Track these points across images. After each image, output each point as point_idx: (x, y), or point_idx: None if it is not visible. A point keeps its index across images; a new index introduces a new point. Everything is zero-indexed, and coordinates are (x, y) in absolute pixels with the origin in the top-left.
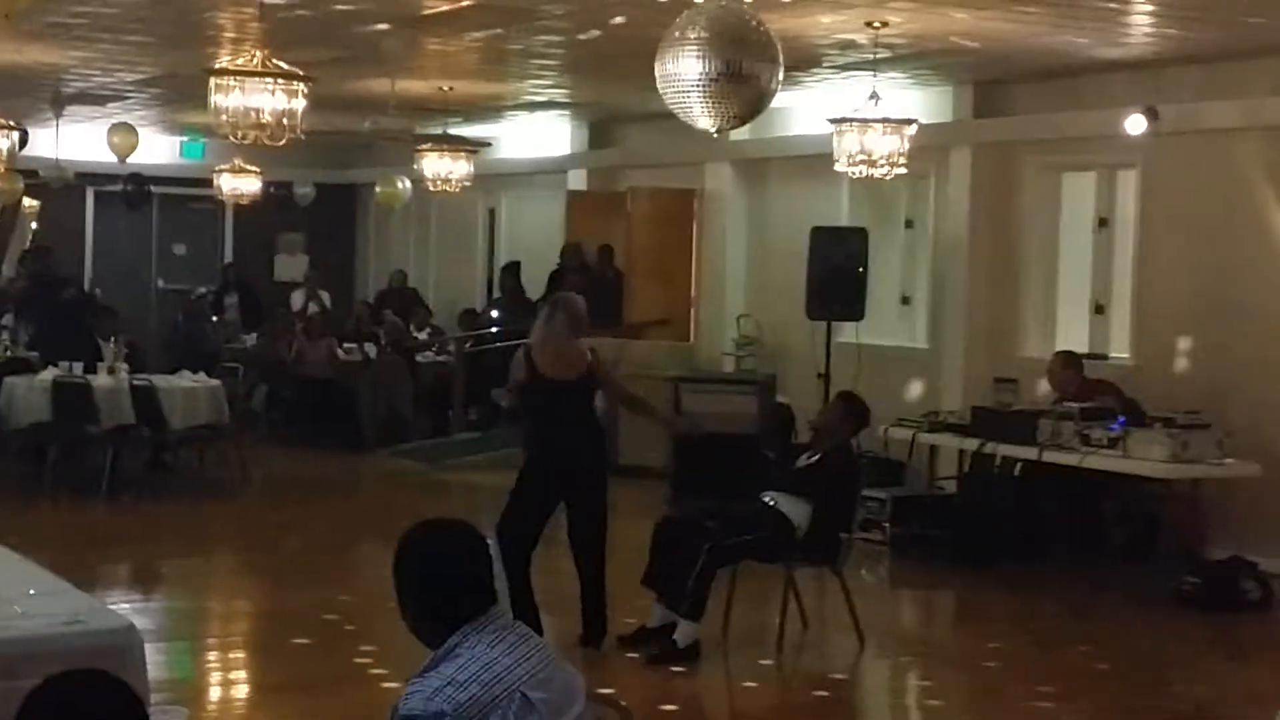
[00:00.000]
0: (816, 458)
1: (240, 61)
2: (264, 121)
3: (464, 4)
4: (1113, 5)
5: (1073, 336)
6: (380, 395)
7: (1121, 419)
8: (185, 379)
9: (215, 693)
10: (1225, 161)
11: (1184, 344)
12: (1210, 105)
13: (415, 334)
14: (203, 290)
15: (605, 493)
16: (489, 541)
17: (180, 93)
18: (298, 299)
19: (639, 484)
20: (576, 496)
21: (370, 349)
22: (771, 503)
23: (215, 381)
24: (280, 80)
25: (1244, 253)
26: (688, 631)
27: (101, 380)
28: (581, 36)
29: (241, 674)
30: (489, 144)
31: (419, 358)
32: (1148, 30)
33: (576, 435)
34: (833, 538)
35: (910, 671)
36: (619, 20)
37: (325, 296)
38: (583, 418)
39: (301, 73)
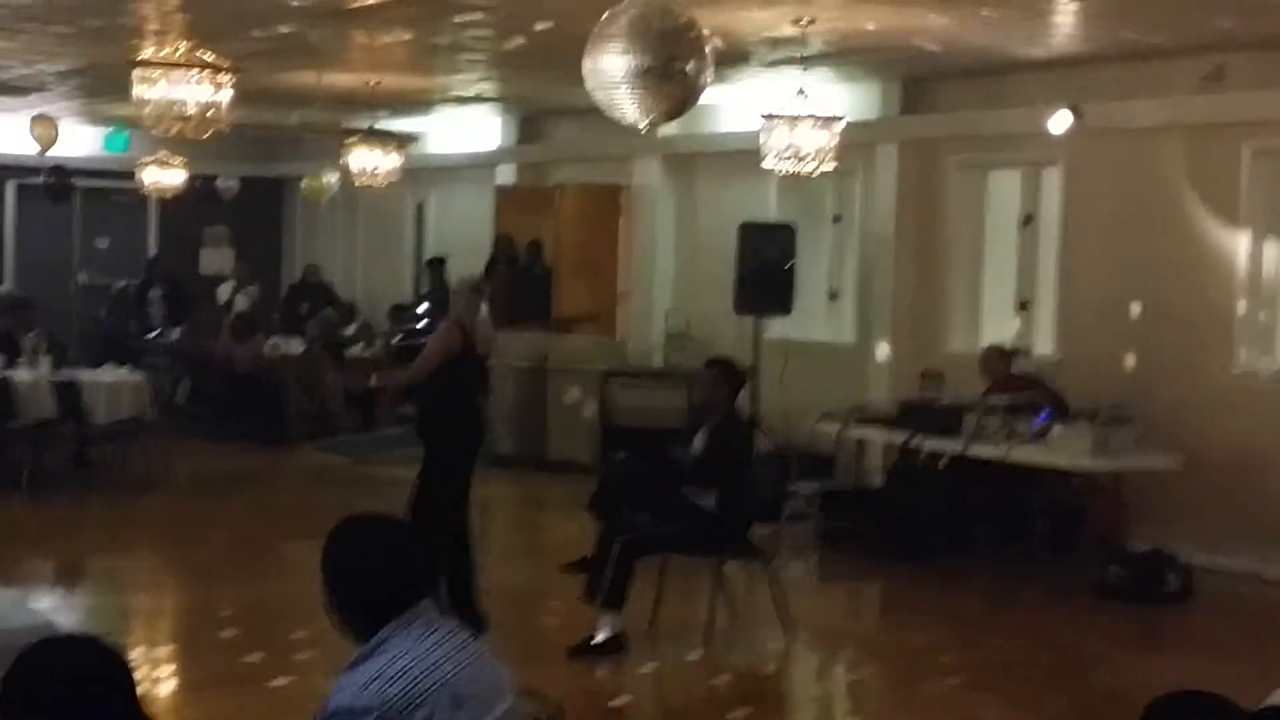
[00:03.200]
0: (707, 438)
1: (164, 53)
2: (188, 114)
3: None
4: (1036, 4)
5: (998, 332)
6: (307, 389)
7: (1045, 413)
8: (109, 373)
9: (141, 690)
10: (1147, 159)
11: (1107, 339)
12: (1133, 104)
13: (342, 329)
14: (125, 283)
15: None
16: (417, 535)
17: (104, 84)
18: (225, 292)
19: (566, 478)
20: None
21: (297, 343)
22: (689, 496)
23: (139, 376)
24: (205, 72)
25: (1166, 249)
26: (609, 621)
27: (22, 375)
28: (510, 44)
29: (168, 670)
30: (416, 138)
31: (346, 352)
32: (1071, 29)
33: (484, 408)
34: (742, 509)
35: (836, 663)
36: (544, 24)
37: (254, 290)
38: (487, 392)
39: (226, 64)
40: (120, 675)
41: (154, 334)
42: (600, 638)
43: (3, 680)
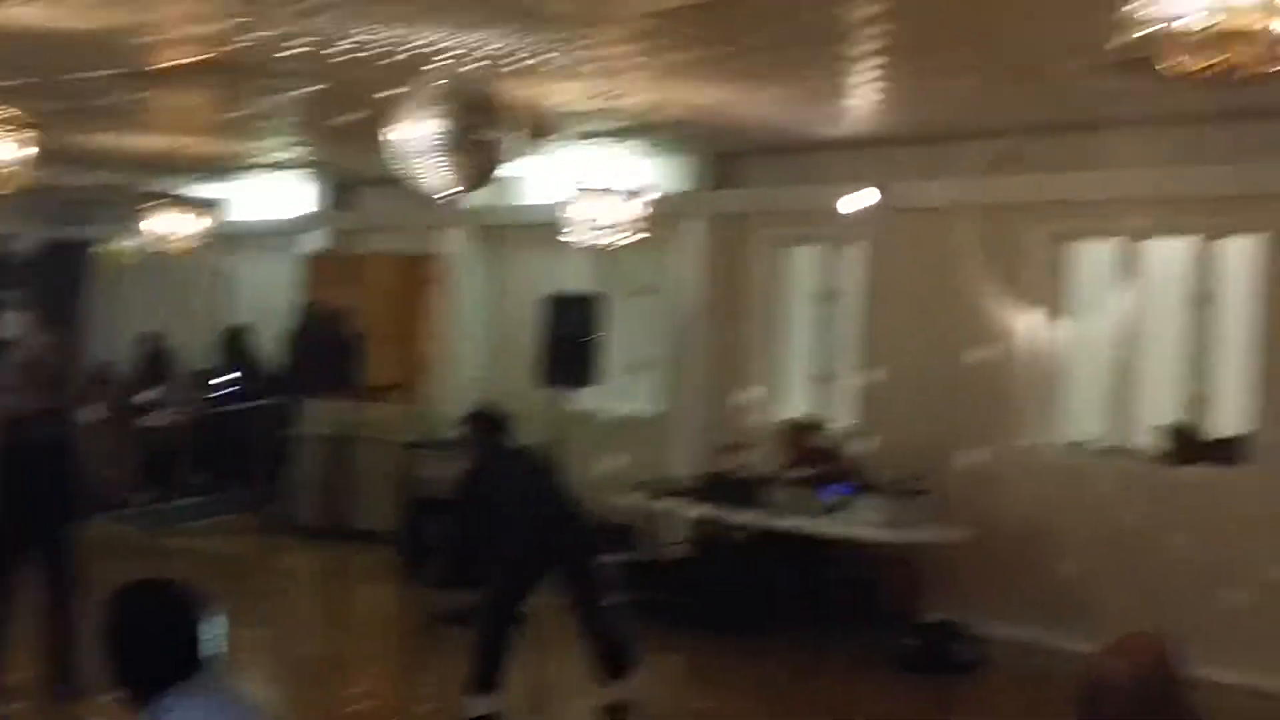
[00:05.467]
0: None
1: None
2: None
3: (194, 59)
4: (839, 85)
5: (799, 405)
6: (101, 459)
7: (843, 486)
8: None
9: None
10: (945, 238)
11: (904, 413)
12: (931, 184)
13: (142, 395)
14: None
15: None
16: (199, 601)
17: None
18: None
19: (370, 548)
20: None
21: (96, 410)
22: None
23: None
24: (6, 127)
25: (960, 326)
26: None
27: None
28: (320, 111)
29: None
30: (221, 202)
31: (146, 420)
32: (871, 110)
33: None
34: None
35: None
36: (355, 92)
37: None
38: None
39: (27, 119)
40: None
41: None
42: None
43: None
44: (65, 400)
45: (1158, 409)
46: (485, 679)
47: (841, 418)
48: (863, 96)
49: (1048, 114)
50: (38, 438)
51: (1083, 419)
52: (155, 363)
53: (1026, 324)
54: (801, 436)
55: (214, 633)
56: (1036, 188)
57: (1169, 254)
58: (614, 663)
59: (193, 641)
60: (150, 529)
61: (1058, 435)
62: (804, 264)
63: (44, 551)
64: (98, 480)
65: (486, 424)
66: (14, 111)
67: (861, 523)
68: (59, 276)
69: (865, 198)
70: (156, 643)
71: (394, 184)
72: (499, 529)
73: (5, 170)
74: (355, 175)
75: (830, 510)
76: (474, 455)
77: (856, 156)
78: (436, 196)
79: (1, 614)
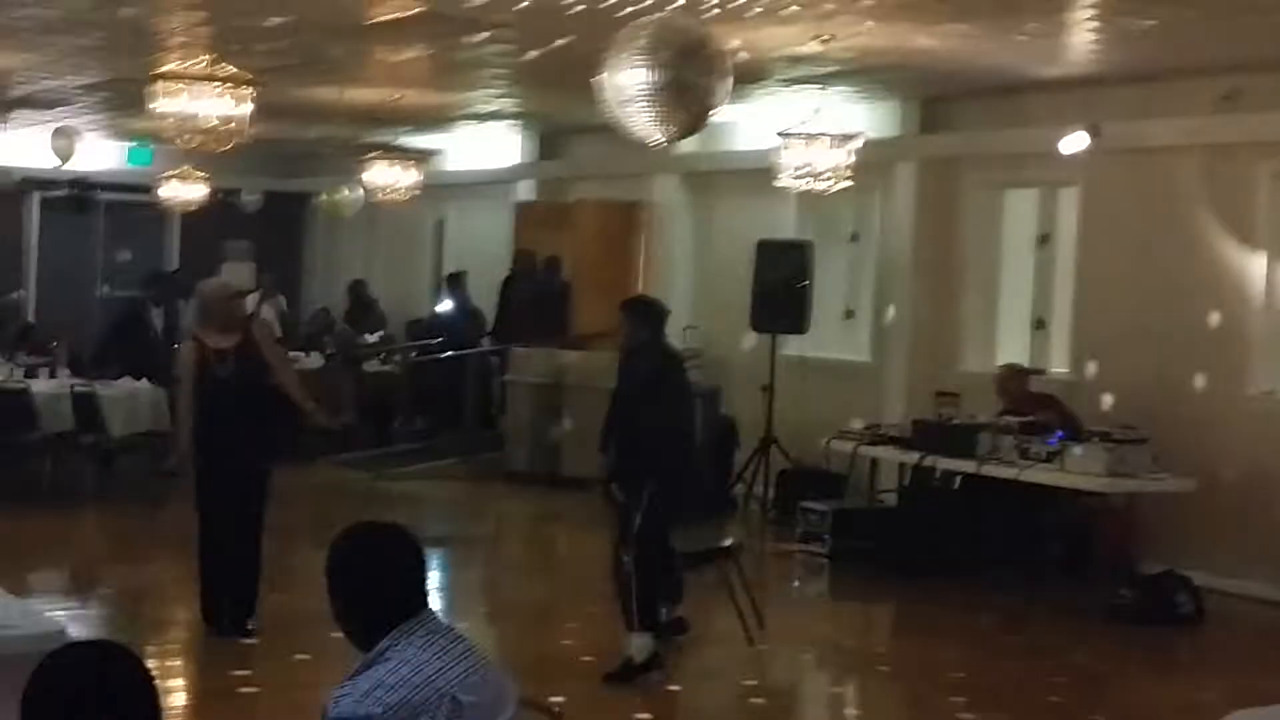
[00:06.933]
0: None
1: (186, 66)
2: (208, 126)
3: (409, 13)
4: (1054, 24)
5: (1013, 351)
6: (326, 404)
7: (1060, 433)
8: (127, 385)
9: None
10: (1164, 180)
11: (1122, 359)
12: (1150, 124)
13: (360, 342)
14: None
15: None
16: (420, 544)
17: (127, 98)
18: (251, 303)
19: (579, 495)
20: None
21: (316, 358)
22: None
23: (159, 388)
24: (226, 85)
25: (1182, 270)
26: (642, 644)
27: (41, 386)
28: (529, 59)
29: (179, 680)
30: (436, 153)
31: (364, 366)
32: (1088, 49)
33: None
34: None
35: (847, 681)
36: (564, 40)
37: (282, 301)
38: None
39: (248, 77)
40: (142, 681)
41: (176, 347)
42: (639, 659)
43: (27, 686)
44: (241, 342)
45: None
46: (647, 614)
47: (1058, 364)
48: (1076, 35)
49: (1270, 52)
50: (219, 375)
51: None
52: (365, 309)
53: (1253, 267)
54: (1017, 383)
55: (433, 575)
56: (1260, 126)
57: None
58: (677, 588)
59: (414, 583)
60: (370, 473)
61: None
62: (1017, 207)
63: (238, 489)
64: (314, 424)
65: (641, 309)
66: (234, 69)
67: (1078, 471)
68: (281, 227)
69: (1080, 139)
70: (380, 583)
71: (602, 131)
72: (653, 424)
73: (225, 126)
74: (564, 124)
75: (1046, 458)
76: (629, 341)
77: (1069, 97)
78: (646, 143)
79: (208, 549)
